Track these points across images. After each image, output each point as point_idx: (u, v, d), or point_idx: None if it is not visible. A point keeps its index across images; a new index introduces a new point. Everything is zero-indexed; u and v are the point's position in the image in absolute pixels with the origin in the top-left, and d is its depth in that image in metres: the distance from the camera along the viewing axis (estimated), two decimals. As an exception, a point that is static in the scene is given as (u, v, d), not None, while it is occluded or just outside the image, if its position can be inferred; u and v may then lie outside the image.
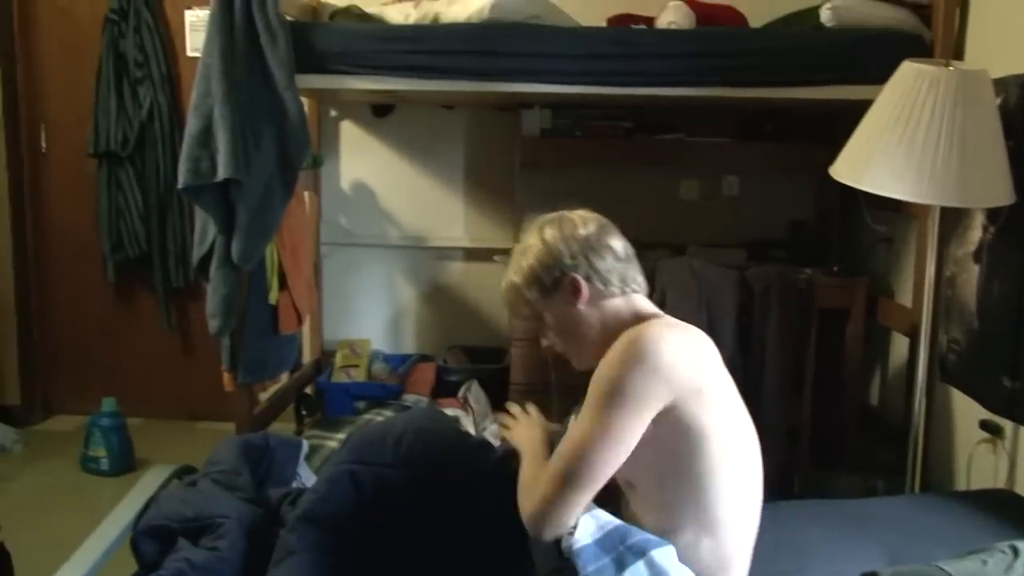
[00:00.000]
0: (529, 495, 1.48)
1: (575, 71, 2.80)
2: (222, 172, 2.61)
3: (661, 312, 1.64)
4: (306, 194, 3.62)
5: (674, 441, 1.46)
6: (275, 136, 2.76)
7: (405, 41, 2.82)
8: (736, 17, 3.18)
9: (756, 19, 3.24)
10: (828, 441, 3.00)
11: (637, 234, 3.74)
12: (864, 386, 3.30)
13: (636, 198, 3.72)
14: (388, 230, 3.86)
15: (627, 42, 2.83)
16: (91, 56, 3.79)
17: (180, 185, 2.65)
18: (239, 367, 2.92)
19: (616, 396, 1.41)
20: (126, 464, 3.47)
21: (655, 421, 1.43)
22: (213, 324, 2.82)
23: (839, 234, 3.54)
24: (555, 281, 1.60)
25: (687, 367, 1.45)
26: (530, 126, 3.43)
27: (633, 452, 1.44)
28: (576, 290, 1.59)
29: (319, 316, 3.86)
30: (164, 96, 3.76)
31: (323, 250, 3.85)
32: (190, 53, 3.79)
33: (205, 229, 2.80)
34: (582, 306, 1.59)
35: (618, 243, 1.67)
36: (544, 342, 1.69)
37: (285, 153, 2.80)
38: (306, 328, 3.72)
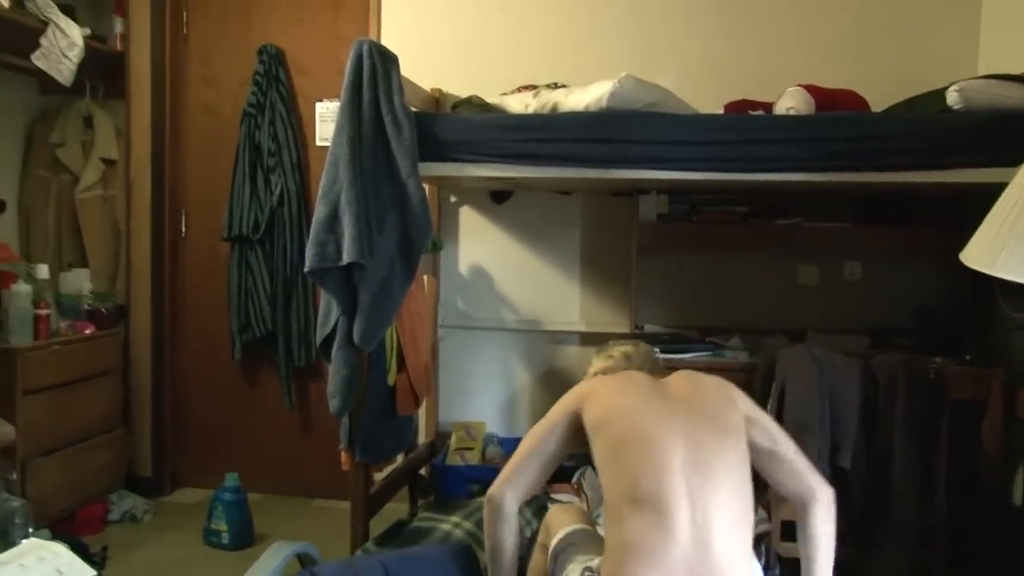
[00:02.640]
0: None
1: (694, 158, 2.78)
2: (347, 256, 2.68)
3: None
4: (425, 278, 3.69)
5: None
6: (398, 222, 2.83)
7: (525, 130, 2.85)
8: (857, 101, 3.12)
9: (878, 103, 3.18)
10: (966, 543, 2.81)
11: (755, 319, 3.70)
12: (1004, 484, 3.08)
13: (754, 283, 3.65)
14: (504, 314, 3.89)
15: (746, 128, 2.81)
16: (229, 147, 4.02)
17: (307, 268, 2.74)
18: (357, 447, 2.95)
19: None
20: (246, 539, 3.53)
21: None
22: (333, 404, 2.86)
23: (970, 321, 3.37)
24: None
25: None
26: (647, 211, 3.43)
27: None
28: None
29: (435, 398, 3.88)
30: (294, 183, 3.94)
31: (441, 333, 3.89)
32: (319, 142, 3.98)
33: (329, 311, 2.87)
34: None
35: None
36: None
37: (407, 238, 2.86)
38: (422, 410, 3.74)
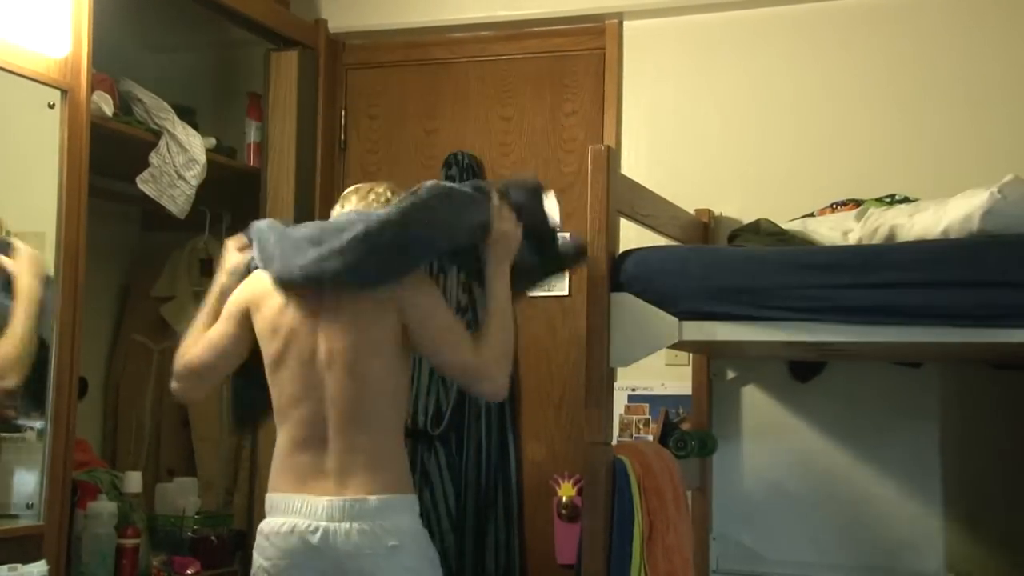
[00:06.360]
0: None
1: None
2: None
3: None
4: (689, 495, 3.61)
5: None
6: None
7: (845, 270, 2.81)
8: None
9: None
10: None
11: None
12: None
13: None
14: (814, 555, 3.79)
15: None
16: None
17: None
18: None
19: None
20: None
21: None
22: None
23: None
24: None
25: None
26: (1058, 395, 3.37)
27: None
28: None
29: None
30: (494, 353, 4.01)
31: (714, 582, 3.87)
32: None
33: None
34: None
35: None
36: None
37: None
38: None
